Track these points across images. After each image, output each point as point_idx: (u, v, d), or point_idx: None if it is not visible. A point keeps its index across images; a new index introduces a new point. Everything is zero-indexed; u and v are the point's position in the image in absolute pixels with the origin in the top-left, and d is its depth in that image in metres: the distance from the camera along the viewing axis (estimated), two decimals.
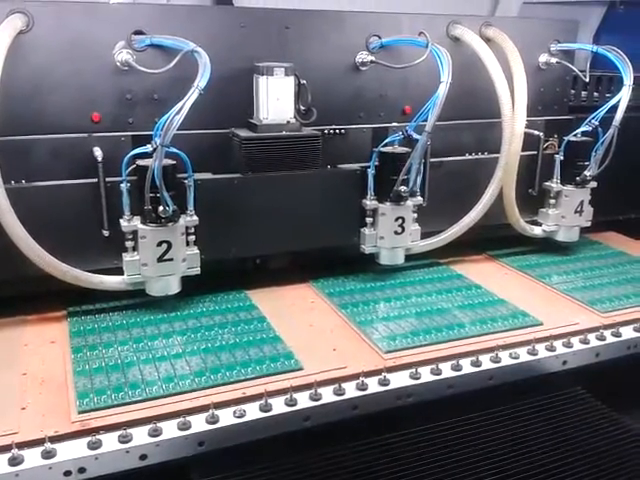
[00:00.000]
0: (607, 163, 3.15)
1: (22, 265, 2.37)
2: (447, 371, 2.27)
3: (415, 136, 2.78)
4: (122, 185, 2.45)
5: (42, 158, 2.49)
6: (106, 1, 2.51)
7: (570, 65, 3.31)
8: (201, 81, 2.29)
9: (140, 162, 2.44)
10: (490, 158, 3.12)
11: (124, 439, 1.87)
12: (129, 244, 2.51)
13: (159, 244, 2.49)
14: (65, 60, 2.49)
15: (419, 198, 2.98)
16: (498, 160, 3.03)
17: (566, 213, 3.28)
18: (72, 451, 1.83)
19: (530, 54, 3.23)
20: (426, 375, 2.24)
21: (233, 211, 2.70)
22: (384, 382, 2.18)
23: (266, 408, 2.02)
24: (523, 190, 3.23)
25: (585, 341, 2.51)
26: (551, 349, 2.44)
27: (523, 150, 3.08)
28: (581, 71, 3.33)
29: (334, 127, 2.96)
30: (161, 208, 2.41)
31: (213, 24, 2.70)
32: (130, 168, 2.45)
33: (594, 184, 3.28)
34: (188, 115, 2.28)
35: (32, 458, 1.79)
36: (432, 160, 3.02)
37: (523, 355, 2.39)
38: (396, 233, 2.92)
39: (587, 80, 3.31)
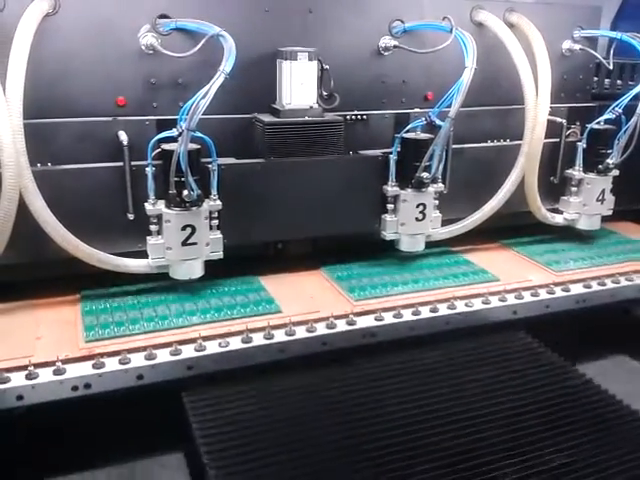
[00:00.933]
0: (630, 151, 3.13)
1: (42, 249, 2.41)
2: (408, 315, 2.62)
3: (438, 122, 2.78)
4: (147, 169, 2.46)
5: (68, 141, 2.51)
6: None
7: (594, 52, 3.29)
8: (227, 65, 2.30)
9: (165, 146, 2.45)
10: (512, 145, 3.12)
11: (123, 361, 2.20)
12: (153, 228, 2.53)
13: (183, 228, 2.50)
14: (91, 43, 2.49)
15: (440, 185, 2.98)
16: (520, 147, 3.02)
17: (588, 201, 3.27)
18: (79, 370, 2.16)
19: (553, 40, 3.20)
20: (389, 318, 2.58)
21: (255, 196, 2.71)
22: (351, 322, 2.52)
23: (247, 340, 2.36)
24: (544, 178, 3.22)
25: (535, 294, 2.81)
26: (503, 300, 2.75)
27: (545, 138, 3.06)
28: (604, 58, 3.30)
29: (356, 113, 2.96)
30: (186, 192, 2.43)
31: (237, 9, 2.70)
32: (155, 152, 2.46)
33: (616, 172, 3.26)
34: (211, 100, 2.29)
35: (45, 375, 2.12)
36: (454, 147, 3.01)
37: (477, 304, 2.72)
38: (417, 220, 2.92)
39: (611, 67, 3.28)
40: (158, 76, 2.61)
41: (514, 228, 3.40)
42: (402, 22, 2.91)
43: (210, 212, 2.58)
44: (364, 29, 2.90)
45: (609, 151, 3.18)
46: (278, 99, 2.76)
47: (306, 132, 2.72)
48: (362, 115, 2.97)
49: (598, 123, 3.17)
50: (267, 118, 2.71)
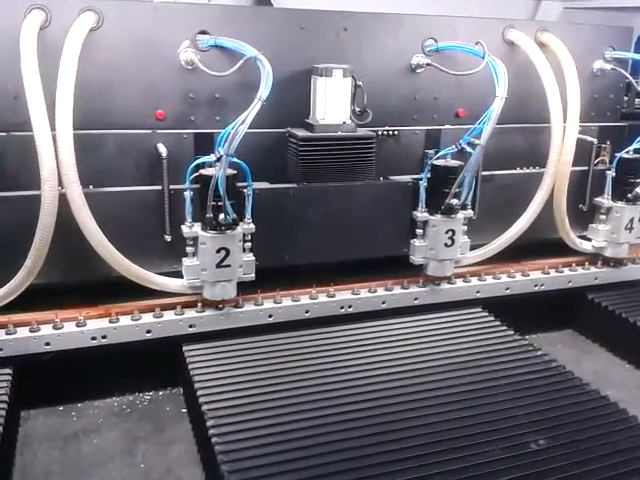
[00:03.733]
0: None
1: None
2: (381, 291, 2.98)
3: (468, 149, 2.79)
4: (186, 193, 2.52)
5: (108, 152, 2.58)
6: None
7: (625, 73, 3.30)
8: (264, 92, 2.35)
9: (203, 171, 2.51)
10: (541, 172, 3.10)
11: (135, 319, 2.59)
12: (189, 249, 2.59)
13: (218, 250, 2.55)
14: (132, 58, 2.58)
15: (470, 211, 3.00)
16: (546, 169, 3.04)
17: (616, 229, 3.28)
18: (97, 324, 2.55)
19: (584, 60, 3.23)
20: (364, 293, 2.94)
21: (287, 219, 2.77)
22: (331, 295, 2.87)
23: (239, 306, 2.74)
24: (573, 205, 3.24)
25: (496, 277, 3.15)
26: (466, 281, 3.06)
27: (574, 164, 3.08)
28: (634, 78, 3.32)
29: (387, 128, 3.00)
30: (222, 216, 2.48)
31: (274, 25, 2.76)
32: (193, 176, 2.52)
33: None
34: None
35: (69, 327, 2.52)
36: (483, 173, 3.03)
37: (443, 284, 3.05)
38: (446, 245, 2.94)
39: None
40: (196, 91, 2.68)
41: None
42: (435, 41, 2.95)
43: (244, 235, 2.63)
44: (397, 46, 2.95)
45: (638, 180, 3.20)
46: (312, 114, 2.82)
47: (339, 147, 2.77)
48: (393, 131, 3.01)
49: (627, 152, 3.19)
50: (301, 133, 2.76)
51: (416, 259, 2.98)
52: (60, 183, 2.31)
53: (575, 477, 1.96)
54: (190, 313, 2.67)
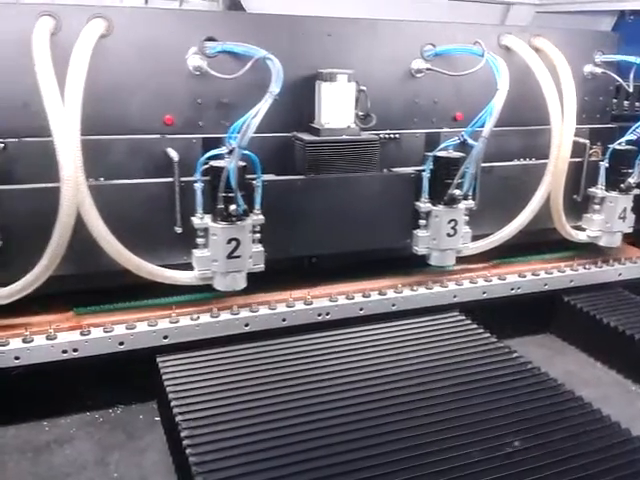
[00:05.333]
0: None
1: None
2: (358, 298, 2.96)
3: (471, 142, 2.88)
4: (196, 185, 2.55)
5: (119, 157, 2.61)
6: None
7: (615, 76, 3.41)
8: (276, 87, 2.40)
9: (214, 163, 2.54)
10: (538, 164, 3.22)
11: (107, 330, 2.55)
12: (200, 241, 2.61)
13: (229, 241, 2.58)
14: (141, 64, 2.60)
15: (471, 201, 3.07)
16: (546, 166, 3.13)
17: (610, 219, 3.38)
18: (68, 337, 2.49)
19: (574, 64, 3.31)
20: (342, 300, 2.93)
21: (294, 211, 2.81)
22: (308, 303, 2.84)
23: (215, 315, 2.70)
24: (568, 196, 3.32)
25: (473, 281, 3.17)
26: (443, 286, 3.09)
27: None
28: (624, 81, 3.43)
29: (389, 132, 3.06)
30: (233, 207, 2.51)
31: (278, 32, 2.81)
32: (202, 168, 2.55)
33: (637, 191, 3.37)
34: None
35: (39, 340, 2.46)
36: (483, 165, 3.11)
37: (421, 290, 3.07)
38: (448, 235, 3.01)
39: (631, 90, 3.40)
40: (204, 96, 2.71)
41: (536, 244, 3.50)
42: (433, 46, 3.03)
43: (253, 226, 2.67)
44: (397, 52, 3.02)
45: (630, 170, 3.30)
46: (317, 118, 2.87)
47: (344, 150, 2.82)
48: (395, 134, 3.07)
49: (620, 144, 3.29)
50: (307, 137, 2.81)
51: (419, 249, 3.04)
52: None
53: (550, 477, 1.99)
54: (164, 324, 2.63)
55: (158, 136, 2.66)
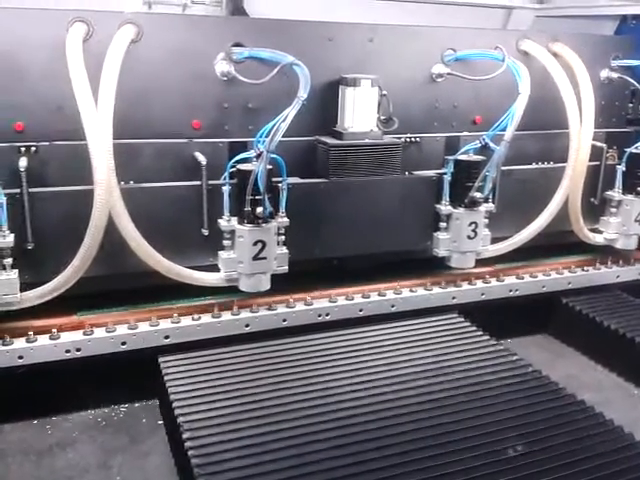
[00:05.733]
0: None
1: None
2: (358, 299, 2.98)
3: (492, 146, 2.92)
4: (224, 188, 2.60)
5: (148, 160, 2.65)
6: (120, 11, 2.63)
7: (632, 80, 3.45)
8: (304, 92, 2.46)
9: (242, 166, 2.59)
10: (557, 167, 3.26)
11: (109, 331, 2.57)
12: (227, 243, 2.66)
13: (255, 243, 2.63)
14: (170, 70, 2.65)
15: (491, 204, 3.12)
16: (565, 170, 3.17)
17: (626, 222, 3.42)
18: (71, 337, 2.52)
19: (591, 69, 3.36)
20: (341, 301, 2.95)
21: (318, 213, 2.86)
22: (308, 304, 2.87)
23: (216, 316, 2.73)
24: (585, 199, 3.37)
25: (472, 283, 3.19)
26: (442, 287, 3.13)
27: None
28: None
29: (410, 135, 3.11)
30: (259, 210, 2.56)
31: (303, 37, 2.85)
32: (228, 172, 2.60)
33: None
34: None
35: (43, 340, 2.49)
36: (503, 168, 3.15)
37: (420, 291, 3.09)
38: (469, 237, 3.06)
39: None
40: (230, 101, 2.76)
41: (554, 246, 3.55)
42: (454, 50, 3.07)
43: (278, 228, 2.71)
44: (418, 57, 3.07)
45: None
46: (340, 122, 2.91)
47: (367, 153, 2.87)
48: (415, 138, 3.12)
49: (637, 148, 3.33)
50: (331, 140, 2.85)
51: (440, 251, 3.08)
52: None
53: None
54: (165, 324, 2.65)
55: (186, 140, 2.71)
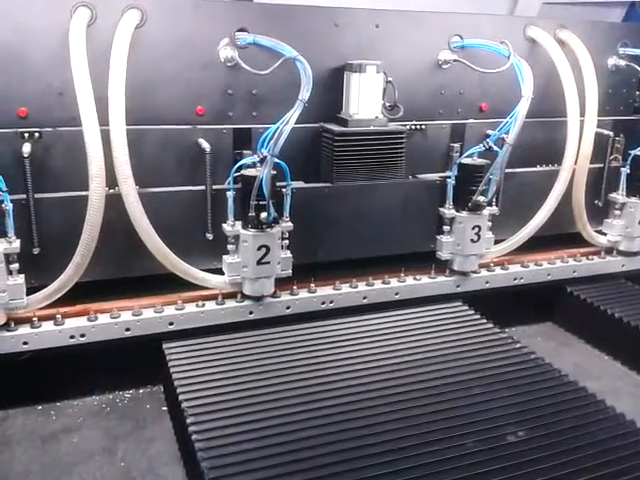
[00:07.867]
0: None
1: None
2: (362, 287, 2.98)
3: (496, 149, 2.88)
4: (228, 193, 2.59)
5: (152, 147, 2.64)
6: None
7: (639, 68, 3.42)
8: (305, 93, 2.44)
9: (245, 172, 2.58)
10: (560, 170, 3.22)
11: (114, 316, 2.58)
12: (231, 247, 2.66)
13: (259, 248, 2.63)
14: (174, 55, 2.62)
15: (495, 208, 3.10)
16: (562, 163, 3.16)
17: (630, 224, 3.41)
18: (76, 322, 2.53)
19: (599, 56, 3.34)
20: (345, 288, 2.95)
21: (321, 217, 2.86)
22: (312, 291, 2.87)
23: (220, 303, 2.73)
24: (589, 201, 3.37)
25: (476, 271, 3.16)
26: (446, 275, 3.13)
27: (590, 160, 3.20)
28: None
29: (415, 123, 3.08)
30: (264, 215, 2.55)
31: (309, 22, 2.82)
32: (232, 177, 2.59)
33: None
34: (281, 110, 2.45)
35: (47, 325, 2.50)
36: (507, 171, 3.10)
37: (424, 279, 3.07)
38: (472, 241, 3.04)
39: None
40: (234, 87, 2.74)
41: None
42: (461, 37, 3.04)
43: (282, 233, 2.70)
44: (425, 43, 3.04)
45: None
46: (344, 109, 2.89)
47: (372, 140, 2.85)
48: (421, 125, 3.10)
49: None
50: (335, 127, 2.83)
51: (443, 255, 3.07)
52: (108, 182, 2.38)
53: (554, 468, 2.00)
54: (169, 310, 2.65)
55: (190, 127, 2.69)
